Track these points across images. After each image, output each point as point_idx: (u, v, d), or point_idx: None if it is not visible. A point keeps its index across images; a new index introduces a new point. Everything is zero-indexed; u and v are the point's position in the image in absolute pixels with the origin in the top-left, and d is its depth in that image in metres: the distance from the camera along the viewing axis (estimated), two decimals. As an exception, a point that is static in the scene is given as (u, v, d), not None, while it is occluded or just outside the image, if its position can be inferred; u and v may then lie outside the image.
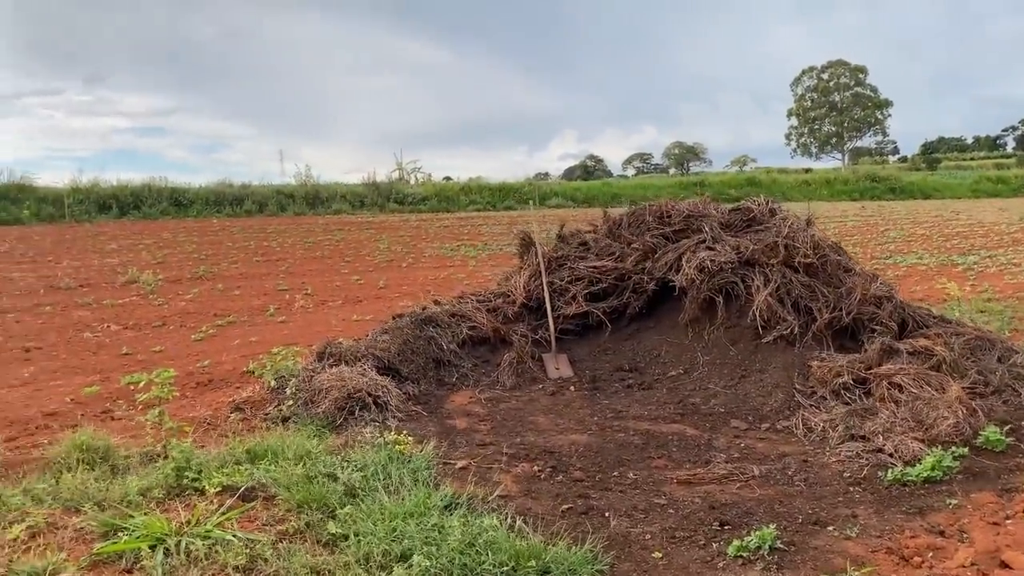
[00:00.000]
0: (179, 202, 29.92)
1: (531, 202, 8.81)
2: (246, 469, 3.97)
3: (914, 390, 4.88)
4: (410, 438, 4.46)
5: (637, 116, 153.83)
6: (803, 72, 74.81)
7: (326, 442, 4.50)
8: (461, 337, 6.32)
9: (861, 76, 72.70)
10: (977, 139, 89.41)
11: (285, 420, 4.99)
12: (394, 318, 6.51)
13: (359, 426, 4.81)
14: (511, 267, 7.83)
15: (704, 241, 6.33)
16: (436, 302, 6.89)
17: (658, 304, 6.64)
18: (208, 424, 4.97)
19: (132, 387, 5.27)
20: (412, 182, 37.28)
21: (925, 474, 3.96)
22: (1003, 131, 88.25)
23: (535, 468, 4.26)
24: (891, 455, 4.28)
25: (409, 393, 5.52)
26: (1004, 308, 8.46)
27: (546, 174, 60.22)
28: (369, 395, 5.10)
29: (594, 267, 6.68)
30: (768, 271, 5.95)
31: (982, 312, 8.18)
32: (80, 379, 6.36)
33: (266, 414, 5.12)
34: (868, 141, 75.85)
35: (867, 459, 4.30)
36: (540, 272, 6.68)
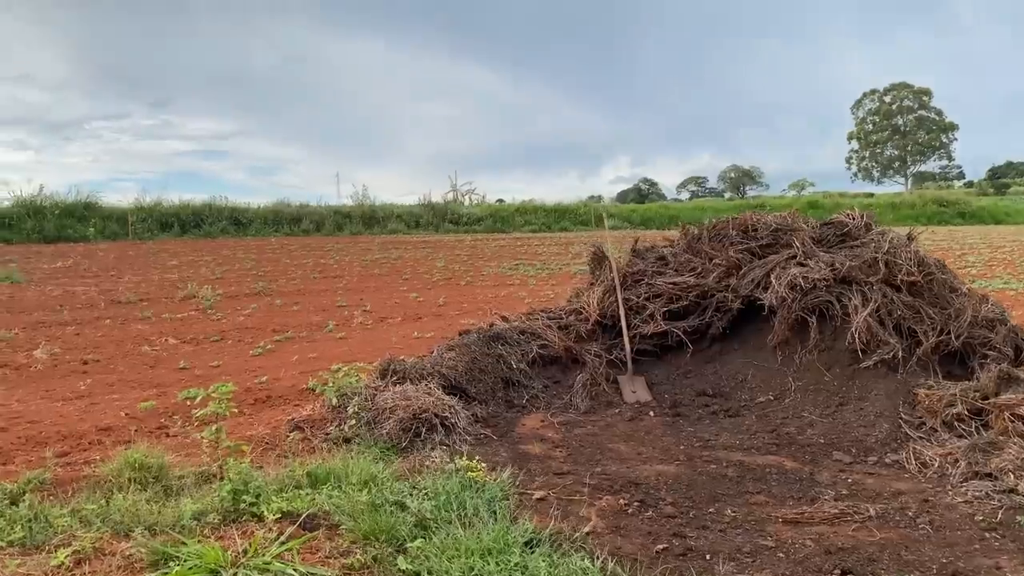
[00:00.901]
0: (238, 221, 30.41)
1: (603, 216, 8.39)
2: (307, 494, 3.65)
3: (1042, 423, 4.35)
4: (483, 464, 4.09)
5: (691, 140, 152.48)
6: (864, 95, 73.38)
7: (392, 466, 4.15)
8: (531, 356, 5.92)
9: (925, 99, 70.90)
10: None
11: (347, 441, 4.66)
12: (460, 334, 6.17)
13: (426, 449, 4.47)
14: (572, 286, 7.44)
15: (794, 256, 5.85)
16: (503, 318, 6.52)
17: (742, 324, 6.16)
18: (266, 443, 4.67)
19: (189, 402, 5.05)
20: (467, 203, 37.36)
21: (1074, 520, 3.45)
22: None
23: (621, 501, 3.84)
24: (1027, 497, 3.77)
25: (477, 415, 5.15)
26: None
27: (600, 197, 59.73)
28: (436, 416, 4.75)
29: (673, 283, 6.22)
30: (867, 289, 5.46)
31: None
32: (136, 393, 6.15)
33: (327, 434, 4.80)
34: (932, 165, 73.82)
35: (999, 500, 3.79)
36: (615, 288, 6.26)
